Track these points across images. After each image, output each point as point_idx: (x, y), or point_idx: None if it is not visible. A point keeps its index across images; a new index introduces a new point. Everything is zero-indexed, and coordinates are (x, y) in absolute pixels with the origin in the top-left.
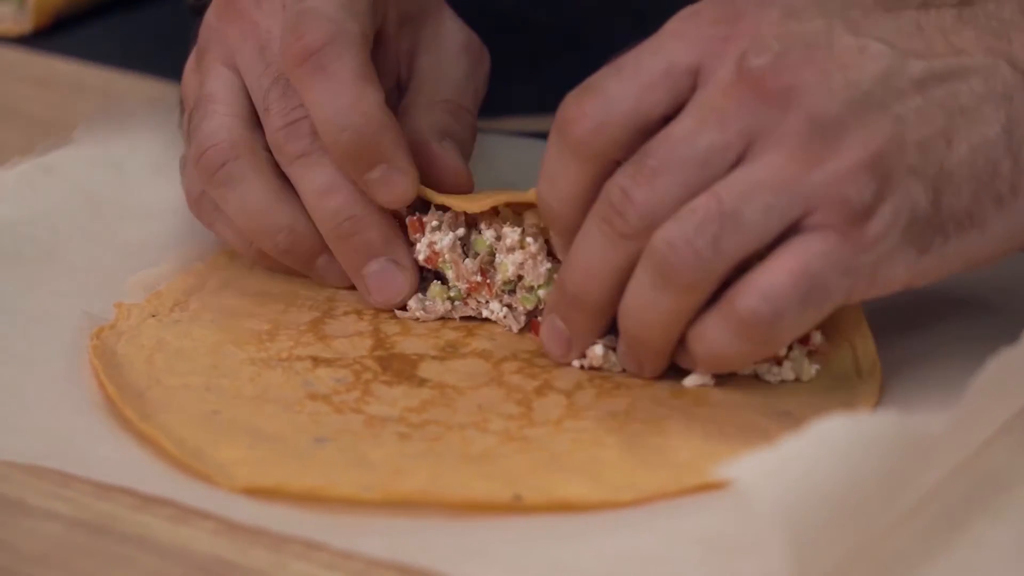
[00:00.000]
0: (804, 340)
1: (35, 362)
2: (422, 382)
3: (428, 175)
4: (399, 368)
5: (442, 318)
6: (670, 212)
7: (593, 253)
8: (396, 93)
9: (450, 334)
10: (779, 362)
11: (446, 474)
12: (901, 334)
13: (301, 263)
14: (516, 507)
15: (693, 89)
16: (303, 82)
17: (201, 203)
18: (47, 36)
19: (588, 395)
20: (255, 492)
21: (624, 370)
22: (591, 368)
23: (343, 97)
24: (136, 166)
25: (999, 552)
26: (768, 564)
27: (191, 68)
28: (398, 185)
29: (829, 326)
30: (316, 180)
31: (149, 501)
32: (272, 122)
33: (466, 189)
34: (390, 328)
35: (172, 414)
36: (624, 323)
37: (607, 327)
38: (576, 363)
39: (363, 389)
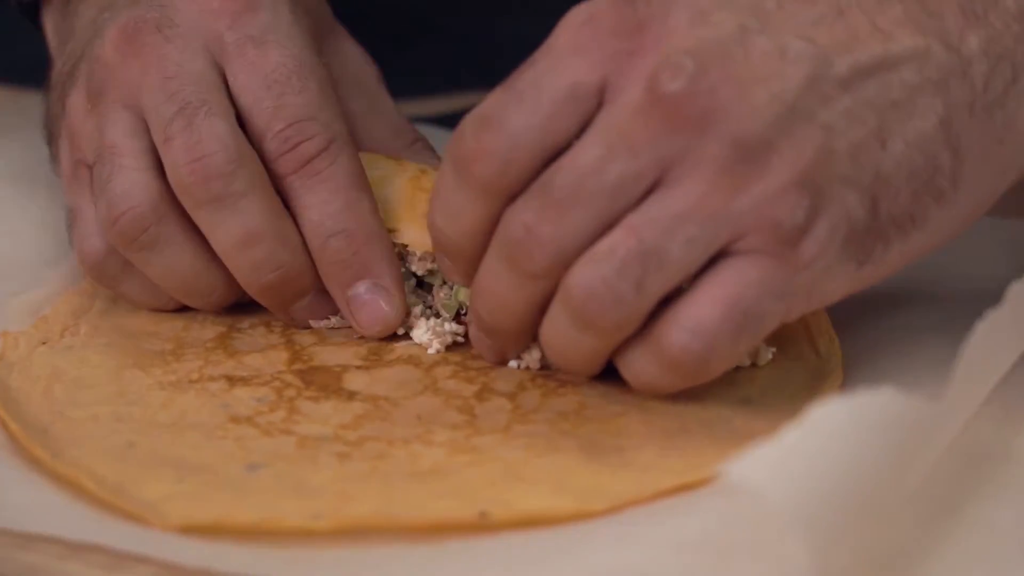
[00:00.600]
0: None
1: None
2: (351, 395)
3: None
4: (323, 381)
5: None
6: (580, 247)
7: (502, 289)
8: None
9: (371, 341)
10: None
11: (398, 495)
12: (857, 319)
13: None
14: (482, 526)
15: (599, 107)
16: (295, 188)
17: (105, 264)
18: None
19: (533, 396)
20: (192, 530)
21: None
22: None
23: (336, 201)
24: None
25: (1007, 536)
26: (770, 565)
27: (82, 109)
28: (381, 308)
29: None
30: (233, 228)
31: (77, 549)
32: (175, 156)
33: None
34: (304, 339)
35: (84, 449)
36: (547, 352)
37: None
38: (514, 363)
39: (288, 407)
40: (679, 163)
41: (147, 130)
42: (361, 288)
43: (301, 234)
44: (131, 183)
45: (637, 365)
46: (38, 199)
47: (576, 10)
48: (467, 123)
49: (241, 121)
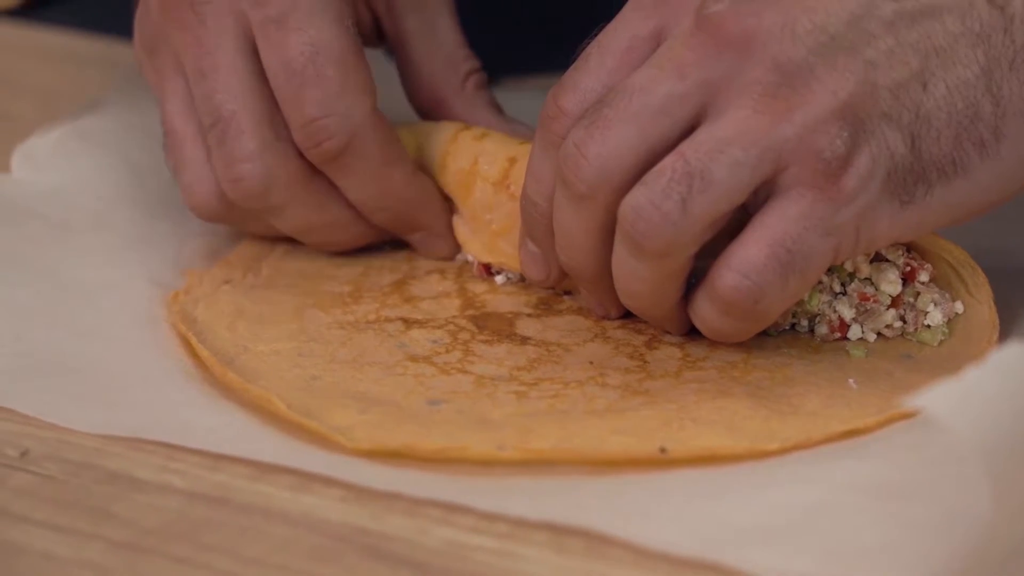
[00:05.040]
0: (911, 276)
1: (110, 333)
2: (524, 340)
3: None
4: (496, 327)
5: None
6: (625, 167)
7: (567, 223)
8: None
9: (540, 291)
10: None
11: (577, 431)
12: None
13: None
14: (660, 461)
15: None
16: (332, 172)
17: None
18: (34, 9)
19: (701, 346)
20: (379, 454)
21: None
22: None
23: (371, 186)
24: None
25: None
26: (947, 504)
27: (144, 59)
28: (437, 248)
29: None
30: (286, 227)
31: (265, 470)
32: (217, 171)
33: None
34: (476, 287)
35: (269, 381)
36: (619, 294)
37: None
38: None
39: (463, 349)
40: (725, 88)
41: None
42: (416, 236)
43: None
44: (192, 178)
45: (701, 311)
46: None
47: None
48: (550, 91)
49: None
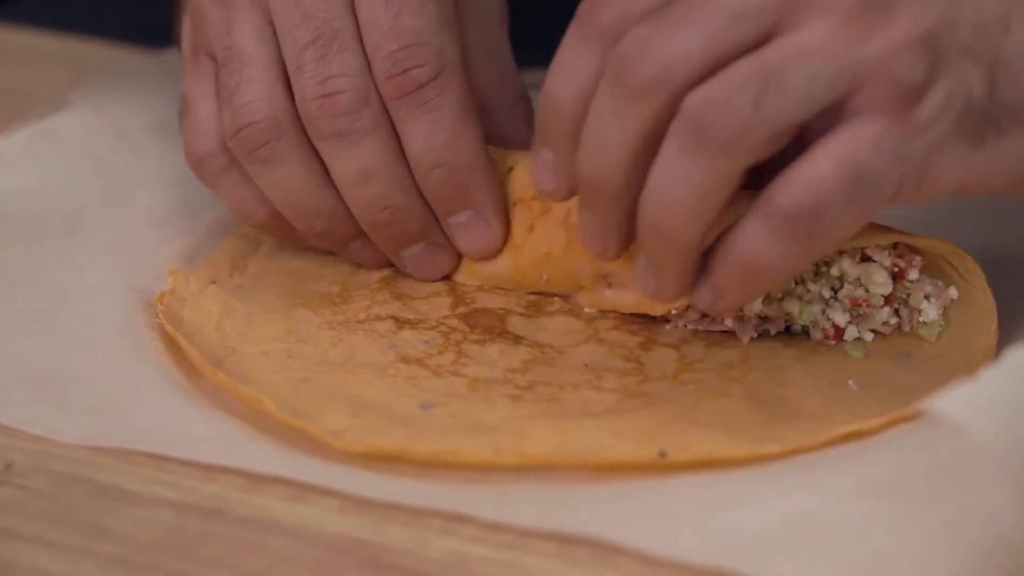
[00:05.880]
0: (900, 275)
1: (91, 340)
2: (517, 339)
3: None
4: (487, 324)
5: None
6: (692, 69)
7: (605, 126)
8: None
9: (529, 295)
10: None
11: (575, 434)
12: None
13: (335, 245)
14: (660, 465)
15: None
16: (401, 113)
17: (208, 164)
18: None
19: (697, 348)
20: (372, 458)
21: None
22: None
23: (441, 134)
24: (139, 130)
25: None
26: (961, 507)
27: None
28: (481, 236)
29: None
30: (351, 164)
31: (259, 480)
32: (305, 88)
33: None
34: (466, 286)
35: (259, 383)
36: (646, 210)
37: (631, 220)
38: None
39: (456, 351)
40: (805, 5)
41: (275, 36)
42: (462, 217)
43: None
44: (256, 96)
45: (745, 236)
46: (180, 151)
47: None
48: None
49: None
